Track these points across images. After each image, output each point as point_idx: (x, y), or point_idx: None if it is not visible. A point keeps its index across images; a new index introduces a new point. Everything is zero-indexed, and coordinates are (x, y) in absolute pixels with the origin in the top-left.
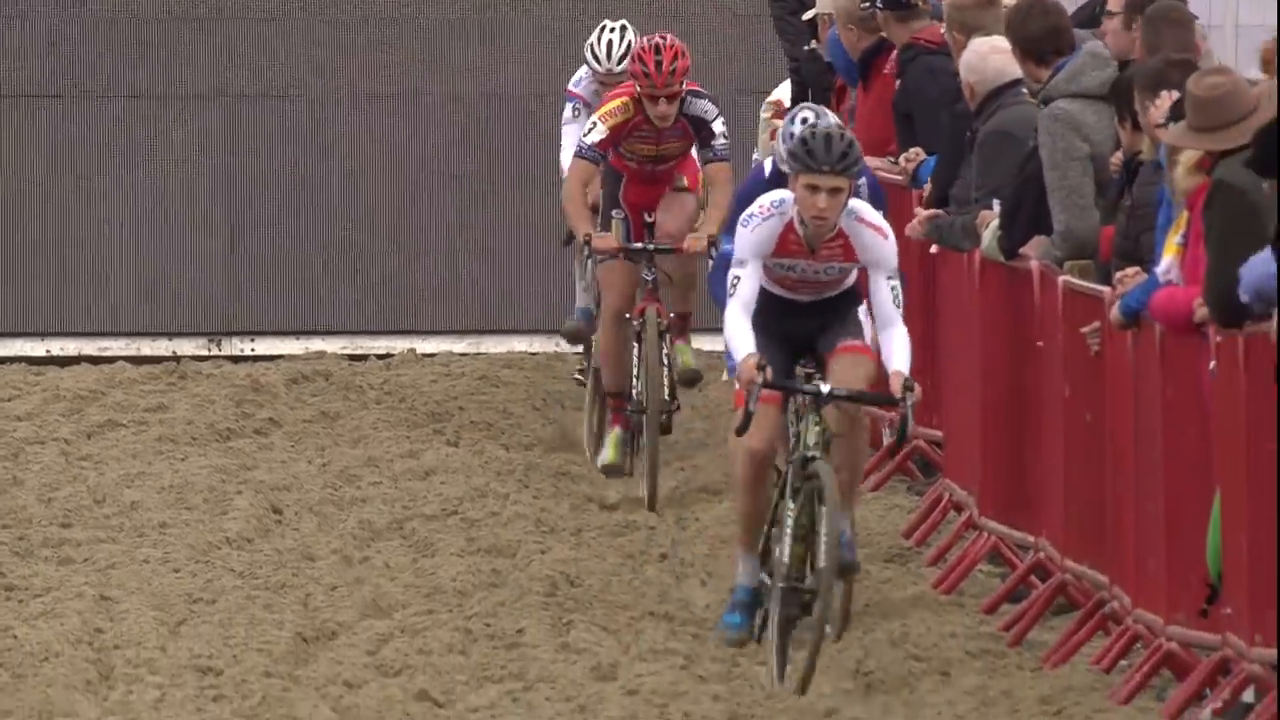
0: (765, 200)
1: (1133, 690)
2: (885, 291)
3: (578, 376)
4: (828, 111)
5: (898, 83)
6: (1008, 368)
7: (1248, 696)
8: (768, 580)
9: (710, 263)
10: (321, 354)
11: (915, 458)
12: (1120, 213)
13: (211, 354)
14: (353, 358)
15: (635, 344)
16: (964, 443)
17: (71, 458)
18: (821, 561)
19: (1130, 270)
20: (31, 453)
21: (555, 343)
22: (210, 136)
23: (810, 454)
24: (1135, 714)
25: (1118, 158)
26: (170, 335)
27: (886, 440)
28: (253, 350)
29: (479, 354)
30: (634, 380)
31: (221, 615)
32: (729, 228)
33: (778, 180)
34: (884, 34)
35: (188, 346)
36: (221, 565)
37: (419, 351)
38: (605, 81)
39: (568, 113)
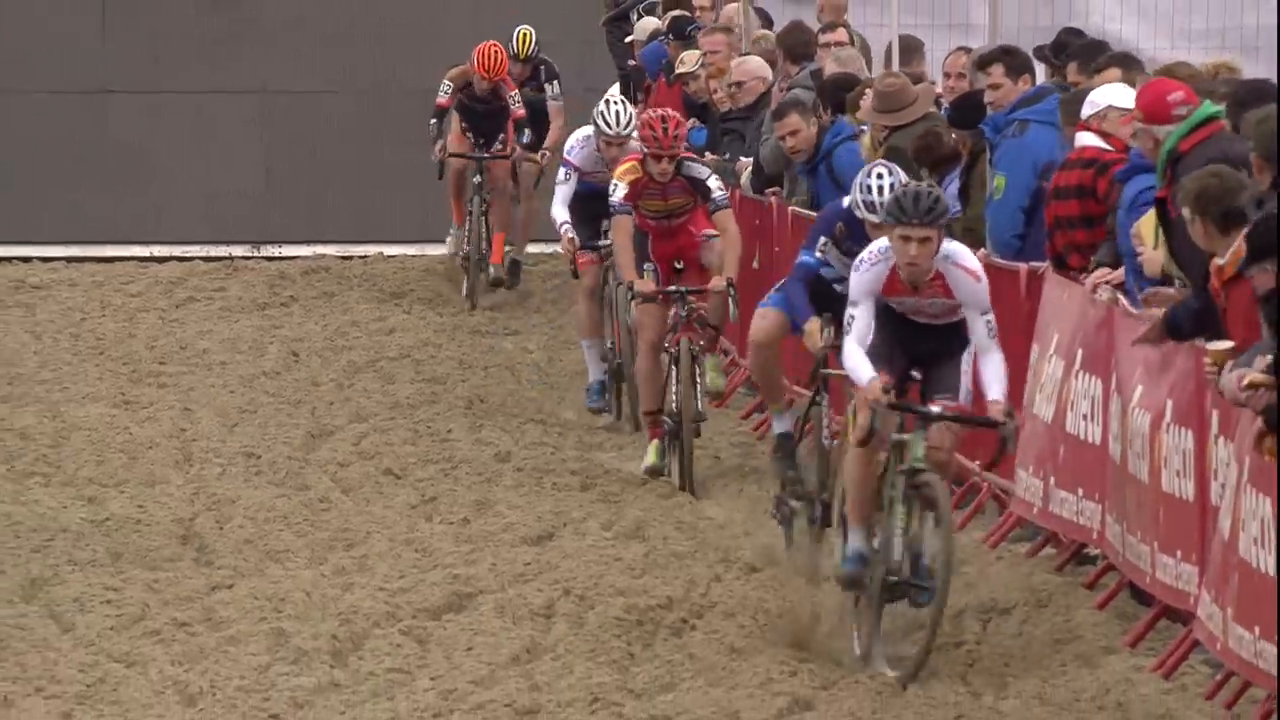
0: (873, 248)
1: None
2: (981, 326)
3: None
4: (896, 169)
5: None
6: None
7: None
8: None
9: (732, 300)
10: (324, 255)
11: None
12: None
13: (253, 255)
14: (343, 257)
15: (674, 367)
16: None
17: (166, 320)
18: (937, 566)
19: None
20: (140, 317)
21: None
22: (253, 114)
23: (918, 465)
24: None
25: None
26: (227, 243)
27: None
28: (279, 253)
29: (424, 255)
30: (673, 397)
31: (260, 420)
32: (809, 240)
33: (852, 213)
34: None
35: (238, 250)
36: (260, 389)
37: (385, 254)
38: (611, 141)
39: (560, 175)
